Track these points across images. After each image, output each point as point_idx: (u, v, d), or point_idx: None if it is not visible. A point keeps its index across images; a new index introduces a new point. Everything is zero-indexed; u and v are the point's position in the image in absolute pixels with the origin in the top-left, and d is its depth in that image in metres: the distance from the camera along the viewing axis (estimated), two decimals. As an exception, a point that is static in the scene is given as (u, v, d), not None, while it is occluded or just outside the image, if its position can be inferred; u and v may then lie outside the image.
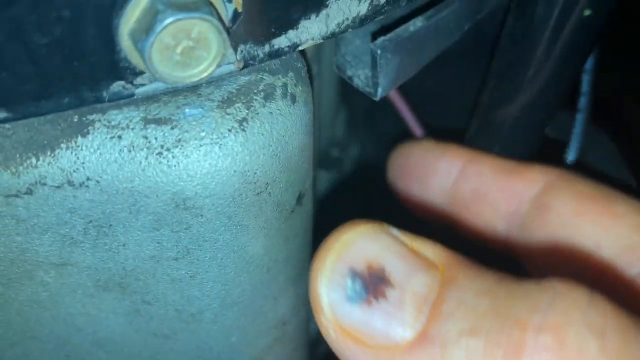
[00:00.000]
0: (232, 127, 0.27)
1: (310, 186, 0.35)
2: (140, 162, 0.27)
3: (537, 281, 0.21)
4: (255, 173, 0.28)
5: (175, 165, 0.27)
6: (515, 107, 0.44)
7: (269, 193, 0.30)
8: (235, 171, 0.28)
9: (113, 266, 0.31)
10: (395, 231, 0.24)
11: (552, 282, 0.21)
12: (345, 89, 0.71)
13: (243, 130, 0.28)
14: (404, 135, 0.68)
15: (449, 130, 0.59)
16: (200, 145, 0.27)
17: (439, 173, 0.33)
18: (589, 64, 0.46)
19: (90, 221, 0.29)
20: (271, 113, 0.29)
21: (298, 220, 0.34)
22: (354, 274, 0.23)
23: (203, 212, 0.28)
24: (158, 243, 0.30)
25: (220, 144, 0.27)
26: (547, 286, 0.21)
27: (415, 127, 0.55)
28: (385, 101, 0.69)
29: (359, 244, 0.24)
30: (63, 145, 0.27)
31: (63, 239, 0.30)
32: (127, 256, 0.30)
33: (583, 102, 0.46)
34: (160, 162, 0.27)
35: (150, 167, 0.27)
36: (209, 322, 0.35)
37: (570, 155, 0.46)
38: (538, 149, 0.49)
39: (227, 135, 0.27)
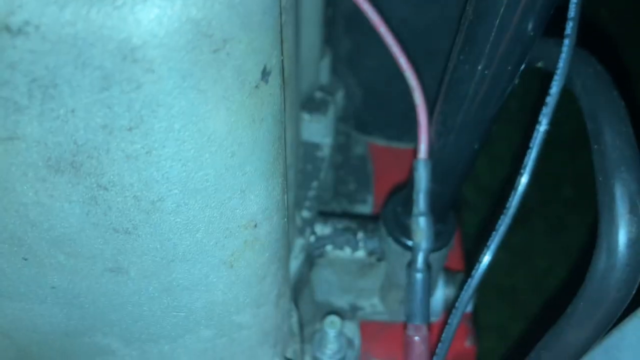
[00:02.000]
0: (183, -33, 0.25)
1: (279, 68, 0.32)
2: (83, 3, 0.25)
3: None
4: (210, 23, 0.26)
5: (120, 7, 0.25)
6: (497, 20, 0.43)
7: (228, 53, 0.28)
8: (187, 18, 0.26)
9: (63, 140, 0.29)
10: None
11: None
12: (330, 34, 0.69)
13: (195, -28, 0.26)
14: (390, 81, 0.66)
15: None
16: (148, -15, 0.25)
17: None
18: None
19: (34, 79, 0.27)
20: (227, -41, 0.26)
21: (264, 101, 0.32)
22: None
23: (154, 66, 0.26)
24: (109, 108, 0.28)
25: (170, -15, 0.25)
26: None
27: (400, 56, 0.53)
28: (370, 43, 0.67)
29: None
30: (-2, -15, 0.25)
31: (6, 104, 0.28)
32: (77, 126, 0.28)
33: (570, 27, 0.44)
34: (103, 3, 0.25)
35: (93, 9, 0.25)
36: (171, 213, 0.32)
37: (558, 81, 0.44)
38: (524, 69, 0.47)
39: (177, -24, 0.25)
